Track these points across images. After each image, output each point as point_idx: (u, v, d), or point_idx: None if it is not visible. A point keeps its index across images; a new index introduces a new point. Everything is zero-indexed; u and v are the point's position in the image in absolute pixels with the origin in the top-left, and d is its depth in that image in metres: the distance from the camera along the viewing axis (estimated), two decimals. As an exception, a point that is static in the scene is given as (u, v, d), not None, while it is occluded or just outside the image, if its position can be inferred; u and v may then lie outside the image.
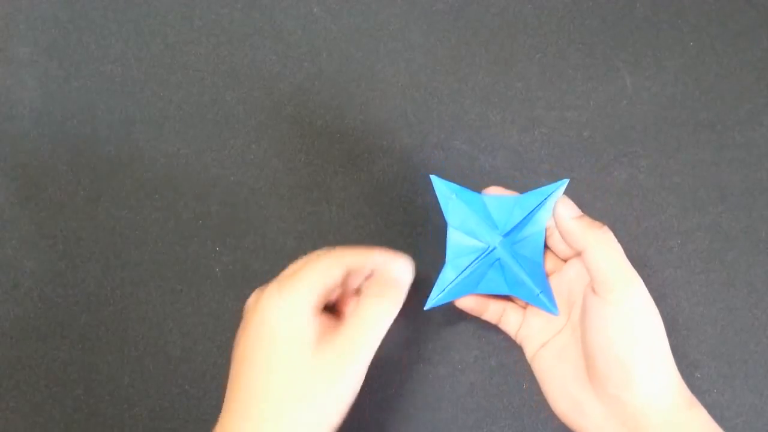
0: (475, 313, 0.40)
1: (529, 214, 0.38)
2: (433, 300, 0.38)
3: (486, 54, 0.48)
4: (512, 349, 0.45)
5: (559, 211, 0.36)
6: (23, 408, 0.45)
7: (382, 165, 0.47)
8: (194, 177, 0.47)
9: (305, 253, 0.37)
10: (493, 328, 0.45)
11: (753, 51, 0.48)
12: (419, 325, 0.45)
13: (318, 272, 0.35)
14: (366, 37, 0.48)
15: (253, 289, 0.46)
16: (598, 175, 0.46)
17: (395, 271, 0.37)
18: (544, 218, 0.38)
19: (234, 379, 0.35)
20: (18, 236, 0.46)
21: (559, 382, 0.37)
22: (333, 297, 0.37)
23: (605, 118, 0.47)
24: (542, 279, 0.39)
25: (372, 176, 0.47)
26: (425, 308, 0.38)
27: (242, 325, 0.36)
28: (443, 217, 0.39)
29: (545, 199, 0.38)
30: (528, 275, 0.39)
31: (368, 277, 0.37)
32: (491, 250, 0.39)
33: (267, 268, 0.46)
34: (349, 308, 0.38)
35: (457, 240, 0.39)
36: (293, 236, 0.46)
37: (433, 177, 0.39)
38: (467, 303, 0.40)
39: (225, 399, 0.35)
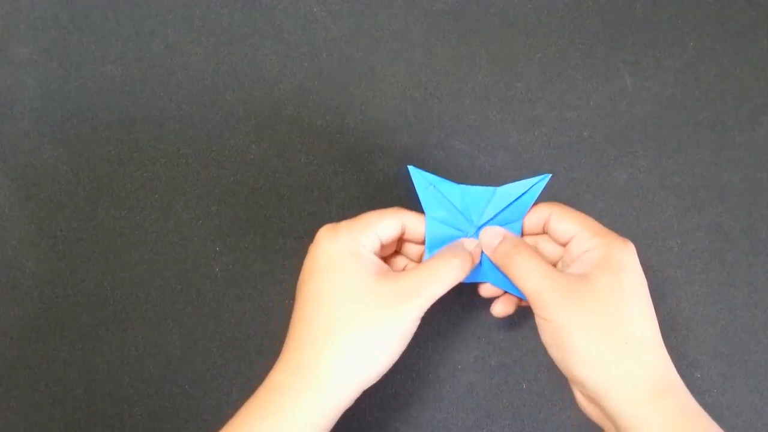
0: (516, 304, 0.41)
1: (506, 207, 0.39)
2: None
3: (486, 54, 0.48)
4: (512, 349, 0.45)
5: (482, 244, 0.39)
6: (23, 408, 0.45)
7: (382, 165, 0.47)
8: (194, 177, 0.47)
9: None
10: (494, 328, 0.45)
11: (753, 51, 0.48)
12: (419, 325, 0.45)
13: (374, 217, 0.37)
14: (366, 37, 0.48)
15: (253, 289, 0.46)
16: (598, 175, 0.46)
17: (467, 244, 0.38)
18: (523, 211, 0.39)
19: (293, 316, 0.36)
20: (18, 236, 0.46)
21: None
22: (387, 253, 0.39)
23: (605, 118, 0.47)
24: None
25: (372, 176, 0.47)
26: None
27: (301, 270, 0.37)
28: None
29: (524, 193, 0.38)
30: None
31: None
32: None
33: (267, 268, 0.46)
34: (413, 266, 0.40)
35: (435, 230, 0.39)
36: (293, 236, 0.46)
37: (410, 168, 0.39)
38: (504, 309, 0.40)
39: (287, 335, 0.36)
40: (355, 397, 0.35)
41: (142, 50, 0.48)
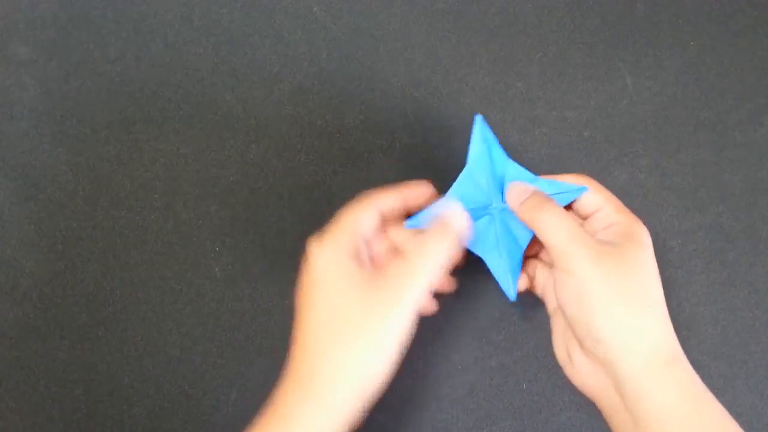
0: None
1: None
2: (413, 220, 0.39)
3: (486, 54, 0.48)
4: (512, 349, 0.45)
5: (508, 199, 0.39)
6: (23, 408, 0.45)
7: (382, 165, 0.47)
8: (194, 177, 0.47)
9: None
10: (494, 328, 0.45)
11: (753, 51, 0.48)
12: (419, 325, 0.45)
13: (351, 217, 0.37)
14: (366, 37, 0.48)
15: (253, 289, 0.46)
16: (599, 175, 0.46)
17: (454, 217, 0.38)
18: None
19: (294, 329, 0.37)
20: (18, 236, 0.46)
21: (560, 336, 0.39)
22: (377, 248, 0.39)
23: (606, 117, 0.47)
24: (516, 262, 0.39)
25: (372, 176, 0.47)
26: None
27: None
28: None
29: (558, 194, 0.39)
30: (506, 251, 0.39)
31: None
32: (486, 207, 0.39)
33: (267, 268, 0.46)
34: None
35: (466, 182, 0.39)
36: (293, 236, 0.46)
37: (477, 117, 0.39)
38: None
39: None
40: (360, 413, 0.35)
41: (141, 50, 0.48)
